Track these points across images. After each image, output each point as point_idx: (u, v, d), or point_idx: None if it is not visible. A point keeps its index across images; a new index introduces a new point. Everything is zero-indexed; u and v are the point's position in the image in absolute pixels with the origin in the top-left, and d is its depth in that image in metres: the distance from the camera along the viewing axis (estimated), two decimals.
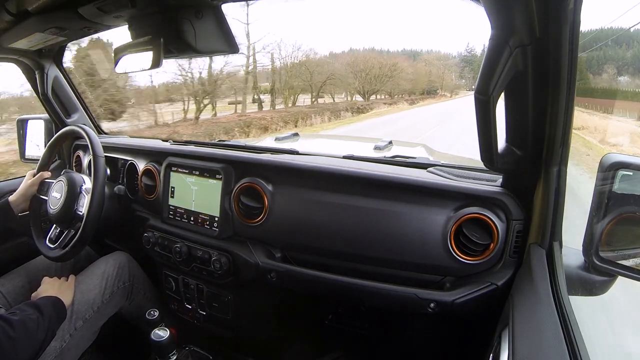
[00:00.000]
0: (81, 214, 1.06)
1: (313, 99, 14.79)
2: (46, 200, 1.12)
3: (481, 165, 0.72)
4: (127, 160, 1.28)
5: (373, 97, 17.79)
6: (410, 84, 20.58)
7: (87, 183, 1.10)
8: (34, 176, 1.17)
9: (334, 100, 15.95)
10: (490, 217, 0.76)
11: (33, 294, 0.99)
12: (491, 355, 0.56)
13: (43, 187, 1.16)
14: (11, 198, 1.11)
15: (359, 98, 16.95)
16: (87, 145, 1.08)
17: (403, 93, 20.73)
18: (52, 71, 1.34)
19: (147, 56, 0.77)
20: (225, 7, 0.78)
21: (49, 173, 1.20)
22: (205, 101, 9.85)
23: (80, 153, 1.42)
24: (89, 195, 1.04)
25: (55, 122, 1.45)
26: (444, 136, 8.34)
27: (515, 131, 0.65)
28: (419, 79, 21.66)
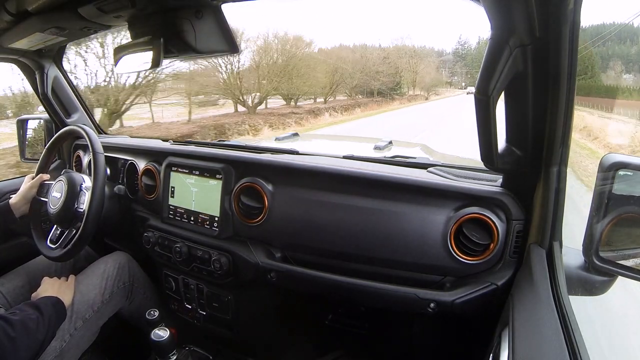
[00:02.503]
0: (82, 211, 1.06)
1: None
2: (46, 201, 1.12)
3: (481, 165, 0.72)
4: (127, 160, 1.28)
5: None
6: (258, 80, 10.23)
7: (87, 182, 1.10)
8: (32, 179, 1.16)
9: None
10: (490, 217, 0.76)
11: (33, 294, 0.98)
12: (491, 355, 0.56)
13: (42, 189, 1.16)
14: (12, 200, 1.11)
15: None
16: (87, 144, 1.08)
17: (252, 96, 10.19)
18: (52, 71, 1.34)
19: (147, 56, 0.77)
20: (225, 7, 0.78)
21: (48, 175, 1.19)
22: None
23: (81, 153, 1.42)
24: (89, 192, 1.04)
25: (55, 122, 1.45)
26: None
27: (515, 131, 0.65)
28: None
